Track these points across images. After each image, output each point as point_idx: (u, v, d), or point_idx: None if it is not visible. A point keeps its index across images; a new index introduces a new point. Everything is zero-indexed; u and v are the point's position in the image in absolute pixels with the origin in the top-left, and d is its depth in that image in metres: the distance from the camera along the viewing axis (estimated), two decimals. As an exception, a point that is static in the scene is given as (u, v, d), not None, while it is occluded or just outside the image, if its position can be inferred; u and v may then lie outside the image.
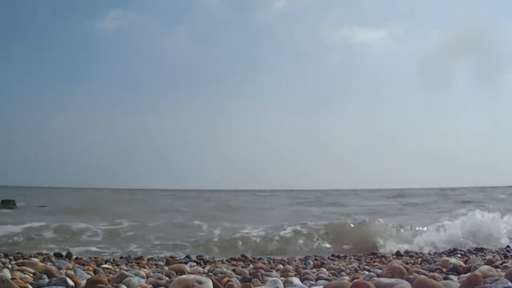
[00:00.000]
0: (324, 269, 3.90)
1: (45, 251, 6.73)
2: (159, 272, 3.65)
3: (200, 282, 2.30)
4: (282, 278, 3.02)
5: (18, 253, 5.87)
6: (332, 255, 6.65)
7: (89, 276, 3.02)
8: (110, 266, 4.42)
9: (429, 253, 6.81)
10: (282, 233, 8.97)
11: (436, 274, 2.91)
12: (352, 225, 9.34)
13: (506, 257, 5.34)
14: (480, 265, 3.15)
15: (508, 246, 7.57)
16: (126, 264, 5.08)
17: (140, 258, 6.15)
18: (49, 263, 4.29)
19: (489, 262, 3.63)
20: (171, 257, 6.25)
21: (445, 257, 4.53)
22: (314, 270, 3.93)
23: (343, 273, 3.66)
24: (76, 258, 5.78)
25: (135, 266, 4.68)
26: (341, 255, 6.74)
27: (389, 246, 8.11)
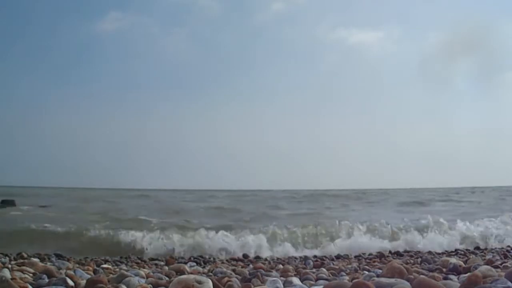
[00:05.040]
0: (324, 269, 3.89)
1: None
2: (159, 272, 3.65)
3: (200, 282, 2.30)
4: (282, 278, 3.01)
5: (19, 253, 5.86)
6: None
7: (89, 276, 3.01)
8: (110, 266, 4.42)
9: (429, 252, 6.81)
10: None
11: (436, 274, 2.90)
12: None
13: (506, 257, 5.34)
14: (480, 265, 3.15)
15: (508, 246, 7.57)
16: (126, 264, 5.08)
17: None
18: (49, 263, 4.29)
19: (489, 262, 3.63)
20: (171, 257, 6.25)
21: (445, 257, 4.53)
22: (314, 270, 3.92)
23: (343, 273, 3.66)
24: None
25: (135, 266, 4.68)
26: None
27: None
